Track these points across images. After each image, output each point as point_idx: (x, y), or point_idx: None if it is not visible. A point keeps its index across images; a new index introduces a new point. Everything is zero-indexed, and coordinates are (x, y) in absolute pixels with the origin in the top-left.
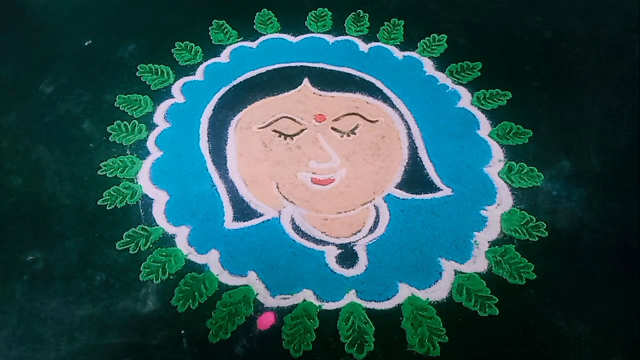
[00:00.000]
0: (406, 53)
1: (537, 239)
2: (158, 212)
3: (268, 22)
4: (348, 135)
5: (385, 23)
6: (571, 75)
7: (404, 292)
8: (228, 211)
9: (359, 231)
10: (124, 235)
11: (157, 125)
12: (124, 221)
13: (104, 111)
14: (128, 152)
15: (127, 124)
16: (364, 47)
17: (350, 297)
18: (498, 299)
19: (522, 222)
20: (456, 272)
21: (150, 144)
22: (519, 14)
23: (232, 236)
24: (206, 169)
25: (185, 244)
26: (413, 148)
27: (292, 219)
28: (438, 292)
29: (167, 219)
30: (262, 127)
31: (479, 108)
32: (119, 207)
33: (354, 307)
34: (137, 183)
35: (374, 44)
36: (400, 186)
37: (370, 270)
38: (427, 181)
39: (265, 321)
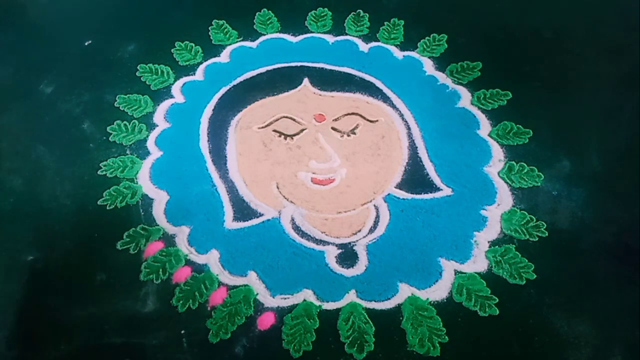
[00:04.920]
0: (406, 53)
1: (537, 239)
2: (158, 212)
3: (268, 22)
4: (348, 135)
5: (385, 23)
6: (571, 75)
7: (404, 292)
8: (228, 211)
9: (359, 231)
10: (124, 235)
11: (157, 125)
12: (124, 221)
13: (104, 111)
14: (128, 152)
15: (127, 124)
16: (364, 47)
17: (350, 297)
18: (498, 299)
19: (522, 222)
20: (456, 272)
21: (150, 144)
22: (519, 14)
23: (232, 236)
24: (206, 169)
25: (186, 243)
26: (413, 148)
27: (292, 219)
28: (438, 292)
29: (167, 219)
30: (262, 127)
31: (479, 108)
32: (119, 207)
33: (354, 307)
34: (137, 183)
35: (374, 43)
36: (400, 186)
37: (370, 270)
38: (427, 181)
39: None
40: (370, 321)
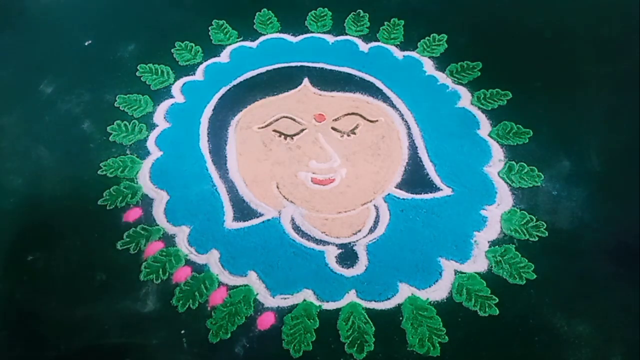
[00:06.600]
0: (406, 53)
1: (537, 239)
2: (158, 212)
3: (268, 22)
4: (348, 135)
5: (385, 23)
6: (571, 75)
7: (404, 292)
8: (228, 211)
9: (359, 231)
10: (124, 235)
11: (157, 125)
12: (124, 221)
13: (104, 111)
14: (128, 152)
15: (127, 123)
16: (364, 47)
17: (350, 297)
18: (498, 299)
19: (522, 222)
20: (456, 272)
21: (150, 144)
22: (519, 14)
23: (232, 236)
24: (206, 169)
25: (186, 243)
26: (413, 148)
27: (292, 219)
28: (438, 292)
29: (167, 219)
30: (262, 127)
31: (479, 108)
32: (119, 207)
33: (354, 307)
34: (137, 183)
35: (374, 43)
36: (400, 186)
37: (370, 270)
38: (427, 181)
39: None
40: (370, 321)
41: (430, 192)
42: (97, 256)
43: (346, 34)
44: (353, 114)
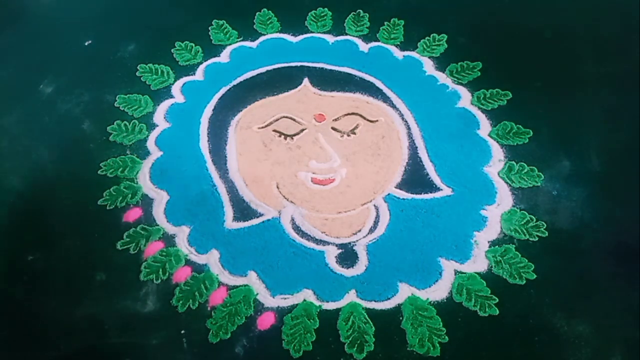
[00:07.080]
0: (406, 53)
1: (537, 239)
2: (158, 212)
3: (268, 22)
4: (348, 135)
5: (385, 23)
6: (571, 75)
7: (404, 292)
8: (228, 211)
9: (359, 231)
10: (124, 235)
11: (157, 125)
12: (124, 221)
13: (104, 111)
14: (128, 152)
15: (127, 123)
16: (364, 47)
17: (350, 297)
18: (498, 299)
19: (522, 222)
20: (456, 272)
21: (150, 144)
22: (519, 14)
23: (232, 236)
24: (206, 169)
25: (186, 243)
26: (413, 148)
27: (293, 219)
28: (438, 292)
29: (167, 219)
30: (262, 127)
31: (479, 108)
32: (119, 207)
33: (354, 307)
34: (137, 183)
35: (374, 43)
36: (400, 186)
37: (370, 270)
38: (427, 181)
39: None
40: (370, 321)
41: (430, 192)
42: (97, 256)
43: (346, 34)
44: (353, 114)
